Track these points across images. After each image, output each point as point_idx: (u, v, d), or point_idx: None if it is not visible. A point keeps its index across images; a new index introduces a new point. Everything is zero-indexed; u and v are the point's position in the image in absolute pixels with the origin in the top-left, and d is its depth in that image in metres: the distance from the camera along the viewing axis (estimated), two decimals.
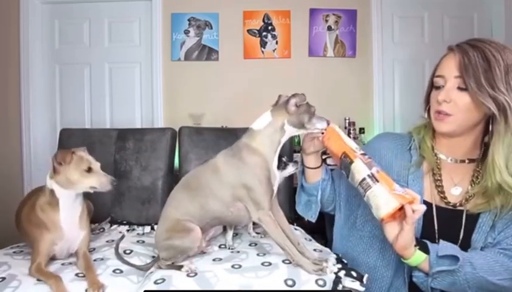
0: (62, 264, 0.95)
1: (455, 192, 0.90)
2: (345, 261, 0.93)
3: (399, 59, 2.69)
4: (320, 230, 1.40)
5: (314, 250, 1.01)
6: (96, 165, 0.97)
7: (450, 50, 0.85)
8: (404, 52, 2.68)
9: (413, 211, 0.76)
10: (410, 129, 1.00)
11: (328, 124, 0.91)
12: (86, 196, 1.06)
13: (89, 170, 0.94)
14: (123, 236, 1.16)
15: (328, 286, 0.80)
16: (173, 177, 1.46)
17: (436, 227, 0.89)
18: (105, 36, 2.69)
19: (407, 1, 2.68)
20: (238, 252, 1.00)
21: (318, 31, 2.62)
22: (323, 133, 0.92)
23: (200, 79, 2.63)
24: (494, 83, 0.77)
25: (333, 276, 0.82)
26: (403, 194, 0.78)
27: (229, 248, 1.03)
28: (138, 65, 2.70)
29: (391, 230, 0.81)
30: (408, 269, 0.89)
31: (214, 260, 0.93)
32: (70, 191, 0.95)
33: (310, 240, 1.16)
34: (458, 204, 0.88)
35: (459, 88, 0.81)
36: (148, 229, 1.30)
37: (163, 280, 0.84)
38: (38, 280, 0.86)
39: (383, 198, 0.78)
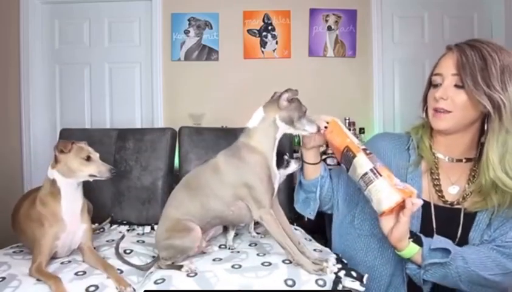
0: (62, 263, 0.95)
1: (452, 191, 0.91)
2: (345, 261, 0.93)
3: (399, 59, 2.69)
4: (320, 230, 1.40)
5: (314, 250, 1.01)
6: (95, 155, 0.99)
7: (449, 50, 0.87)
8: (404, 52, 2.68)
9: (412, 203, 0.79)
10: (408, 129, 1.02)
11: (319, 129, 0.92)
12: (86, 196, 1.06)
13: (88, 158, 0.97)
14: (123, 236, 1.16)
15: (328, 286, 0.80)
16: (173, 177, 1.46)
17: (434, 226, 0.90)
18: (105, 36, 2.69)
19: (407, 1, 2.69)
20: (238, 252, 1.00)
21: (318, 31, 2.63)
22: (326, 127, 0.93)
23: (200, 79, 2.63)
24: (490, 81, 0.79)
25: (333, 276, 0.82)
26: (404, 188, 0.79)
27: (229, 248, 1.03)
28: (138, 65, 2.70)
29: (386, 223, 0.84)
30: None
31: (214, 260, 0.93)
32: (71, 180, 0.96)
33: (310, 240, 1.16)
34: (455, 203, 0.90)
35: (456, 86, 0.83)
36: (148, 229, 1.30)
37: (163, 280, 0.84)
38: (38, 280, 0.86)
39: (385, 192, 0.79)
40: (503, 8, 2.55)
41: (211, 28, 2.61)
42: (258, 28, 2.62)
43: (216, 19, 2.61)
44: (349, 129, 2.39)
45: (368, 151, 0.86)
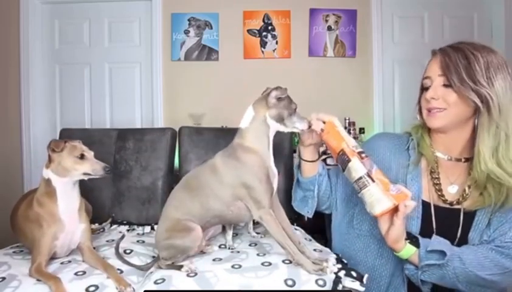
0: (62, 263, 0.95)
1: (452, 190, 0.92)
2: (345, 261, 0.93)
3: (399, 59, 2.69)
4: (320, 230, 1.40)
5: (314, 250, 1.01)
6: (89, 153, 0.99)
7: (434, 54, 0.92)
8: (404, 52, 2.68)
9: (405, 206, 0.80)
10: (407, 129, 1.02)
11: (310, 126, 0.92)
12: (86, 196, 1.06)
13: (82, 156, 0.96)
14: (123, 236, 1.16)
15: (328, 286, 0.80)
16: (173, 177, 1.46)
17: (434, 226, 0.90)
18: (105, 36, 2.69)
19: (407, 1, 2.68)
20: (238, 252, 1.00)
21: (318, 31, 2.63)
22: (322, 129, 0.92)
23: (200, 79, 2.63)
24: (475, 77, 0.82)
25: (333, 276, 0.82)
26: (397, 194, 0.81)
27: (229, 248, 1.03)
28: (138, 65, 2.70)
29: (383, 224, 0.85)
30: None
31: (214, 260, 0.93)
32: (66, 179, 0.96)
33: (310, 240, 1.16)
34: (455, 202, 0.90)
35: (444, 85, 0.86)
36: (148, 229, 1.30)
37: (163, 280, 0.84)
38: (38, 280, 0.86)
39: (377, 198, 0.81)
40: (503, 8, 2.55)
41: (211, 28, 2.61)
42: (258, 28, 2.62)
43: (216, 19, 2.61)
44: (349, 130, 2.40)
45: (363, 155, 0.86)
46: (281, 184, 1.04)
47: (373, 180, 0.82)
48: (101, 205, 1.36)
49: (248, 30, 2.62)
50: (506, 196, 0.82)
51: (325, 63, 2.64)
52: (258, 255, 0.96)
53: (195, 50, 2.62)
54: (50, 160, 0.96)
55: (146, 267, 0.96)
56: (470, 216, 0.88)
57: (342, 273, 0.83)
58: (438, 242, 0.84)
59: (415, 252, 0.84)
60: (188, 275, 0.84)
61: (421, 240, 0.84)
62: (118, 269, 0.93)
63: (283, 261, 0.88)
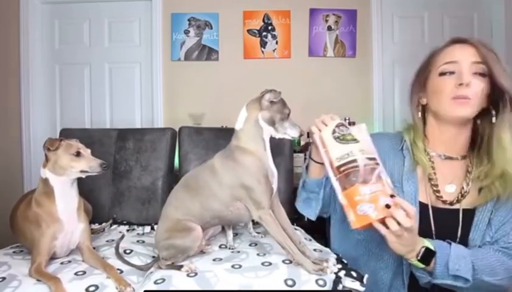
0: (62, 263, 0.95)
1: (449, 190, 0.90)
2: (345, 261, 0.93)
3: (399, 59, 2.69)
4: (320, 230, 1.40)
5: (314, 250, 1.01)
6: (86, 151, 0.99)
7: (456, 42, 0.87)
8: (404, 52, 2.67)
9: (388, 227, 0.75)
10: (399, 128, 1.00)
11: (301, 135, 0.91)
12: (86, 196, 1.06)
13: (78, 154, 0.96)
14: (123, 236, 1.16)
15: (328, 286, 0.80)
16: (173, 177, 1.46)
17: (433, 228, 0.89)
18: (105, 36, 2.69)
19: (407, 1, 2.68)
20: (238, 252, 1.00)
21: (318, 31, 2.62)
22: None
23: (200, 79, 2.63)
24: (505, 71, 0.81)
25: (333, 276, 0.82)
26: (365, 214, 0.75)
27: (229, 248, 1.03)
28: (138, 65, 2.70)
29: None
30: (407, 271, 0.89)
31: (214, 260, 0.93)
32: (63, 178, 0.96)
33: (310, 240, 1.16)
34: (454, 201, 0.89)
35: (478, 74, 0.83)
36: (148, 229, 1.30)
37: (163, 280, 0.84)
38: (38, 280, 0.86)
39: (349, 216, 0.77)
40: (503, 8, 2.55)
41: (211, 28, 2.61)
42: (258, 28, 2.62)
43: (216, 19, 2.61)
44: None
45: (345, 172, 0.79)
46: (281, 184, 1.04)
47: (346, 202, 0.77)
48: (101, 205, 1.36)
49: (248, 30, 2.62)
50: (509, 193, 0.82)
51: (325, 63, 2.64)
52: (258, 255, 0.96)
53: (195, 50, 2.62)
54: (46, 159, 0.96)
55: (146, 267, 0.96)
56: (469, 215, 0.86)
57: (342, 273, 0.83)
58: (459, 265, 0.78)
59: (430, 265, 0.79)
60: (188, 275, 0.84)
61: (439, 253, 0.79)
62: (118, 269, 0.93)
63: (283, 261, 0.88)
